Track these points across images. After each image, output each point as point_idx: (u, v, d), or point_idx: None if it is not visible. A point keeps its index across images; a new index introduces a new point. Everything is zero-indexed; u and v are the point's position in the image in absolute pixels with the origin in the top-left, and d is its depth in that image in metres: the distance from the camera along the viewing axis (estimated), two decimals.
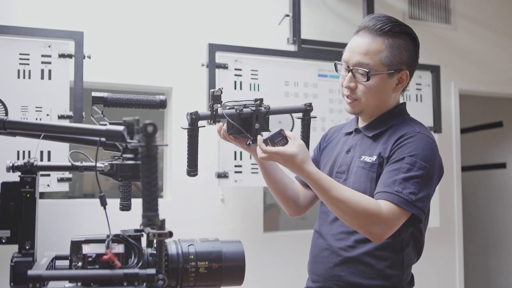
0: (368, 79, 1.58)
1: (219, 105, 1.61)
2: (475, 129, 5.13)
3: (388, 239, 1.55)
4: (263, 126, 1.65)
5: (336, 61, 1.69)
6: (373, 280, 1.59)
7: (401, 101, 1.73)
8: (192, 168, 1.64)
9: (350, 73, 1.61)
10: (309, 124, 1.72)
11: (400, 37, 1.60)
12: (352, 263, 1.60)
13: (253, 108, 1.64)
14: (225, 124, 1.66)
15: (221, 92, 1.59)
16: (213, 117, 1.61)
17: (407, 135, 1.56)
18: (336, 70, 1.69)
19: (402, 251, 1.60)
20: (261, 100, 1.65)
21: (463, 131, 4.69)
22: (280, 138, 1.56)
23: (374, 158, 1.58)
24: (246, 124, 1.63)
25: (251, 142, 1.64)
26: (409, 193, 1.48)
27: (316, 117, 1.77)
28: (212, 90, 1.61)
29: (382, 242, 1.55)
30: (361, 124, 1.72)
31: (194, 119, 1.59)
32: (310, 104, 1.69)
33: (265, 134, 1.60)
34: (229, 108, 1.64)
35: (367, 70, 1.57)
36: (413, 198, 1.47)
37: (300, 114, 1.72)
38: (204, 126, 1.62)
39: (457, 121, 3.99)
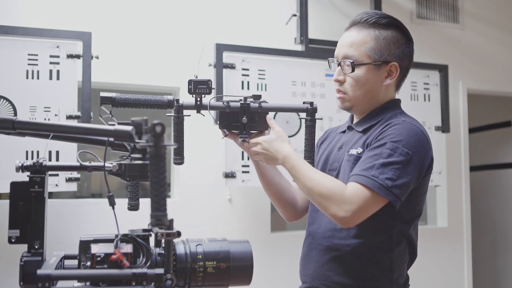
0: (353, 70, 1.58)
1: (203, 96, 1.57)
2: (484, 129, 5.10)
3: (375, 237, 1.53)
4: (259, 121, 1.61)
5: (329, 58, 1.70)
6: (360, 281, 1.55)
7: (403, 100, 1.72)
8: (178, 156, 1.60)
9: (339, 67, 1.63)
10: (312, 126, 1.66)
11: (387, 29, 1.61)
12: (339, 263, 1.57)
13: (242, 102, 1.60)
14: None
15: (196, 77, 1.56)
16: (198, 107, 1.57)
17: (393, 123, 1.54)
18: (330, 67, 1.71)
19: (391, 250, 1.55)
20: (257, 96, 1.62)
21: (471, 130, 4.66)
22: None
23: (360, 150, 1.57)
24: (236, 120, 1.60)
25: (244, 139, 1.61)
26: (386, 178, 1.43)
27: (322, 119, 1.72)
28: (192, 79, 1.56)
29: (370, 240, 1.53)
30: (355, 121, 1.72)
31: (177, 107, 1.56)
32: (312, 103, 1.65)
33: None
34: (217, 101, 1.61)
35: (352, 61, 1.58)
36: (389, 184, 1.43)
37: (304, 115, 1.68)
38: (190, 115, 1.59)
39: (465, 120, 3.96)
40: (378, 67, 1.60)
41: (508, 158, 4.88)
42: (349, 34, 1.64)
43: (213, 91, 1.60)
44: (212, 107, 1.60)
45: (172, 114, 1.58)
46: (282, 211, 1.83)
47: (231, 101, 1.61)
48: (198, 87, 1.55)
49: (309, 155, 1.68)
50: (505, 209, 4.85)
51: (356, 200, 1.43)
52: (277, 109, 1.73)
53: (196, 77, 1.55)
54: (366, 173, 1.45)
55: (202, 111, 1.60)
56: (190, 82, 1.56)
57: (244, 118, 1.59)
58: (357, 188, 1.44)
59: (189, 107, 1.58)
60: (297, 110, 1.68)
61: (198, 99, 1.57)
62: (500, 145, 4.97)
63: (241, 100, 1.61)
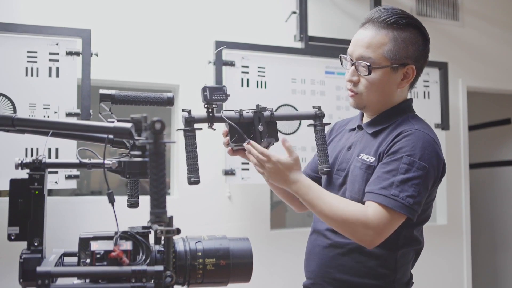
0: (369, 73, 1.53)
1: (215, 106, 1.51)
2: (483, 126, 5.10)
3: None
4: (269, 130, 1.57)
5: (341, 54, 1.65)
6: (363, 278, 1.55)
7: (408, 97, 1.68)
8: (193, 174, 1.50)
9: (353, 67, 1.57)
10: (323, 131, 1.63)
11: (406, 30, 1.55)
12: (343, 260, 1.57)
13: (256, 110, 1.56)
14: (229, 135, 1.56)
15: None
16: (210, 120, 1.50)
17: (405, 132, 1.51)
18: (342, 64, 1.66)
19: (396, 251, 1.54)
20: (263, 107, 1.59)
21: (471, 128, 4.66)
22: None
23: (372, 159, 1.53)
24: (250, 130, 1.55)
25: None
26: (407, 196, 1.42)
27: (329, 123, 1.69)
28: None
29: None
30: (365, 120, 1.67)
31: (188, 120, 1.48)
32: (320, 108, 1.62)
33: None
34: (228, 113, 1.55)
35: (369, 64, 1.52)
36: (410, 202, 1.42)
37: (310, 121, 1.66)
38: (201, 129, 1.52)
39: (465, 118, 3.97)
40: (394, 70, 1.55)
41: (507, 155, 4.88)
42: (365, 33, 1.56)
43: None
44: (227, 118, 1.53)
45: (182, 128, 1.49)
46: (292, 205, 1.86)
47: (243, 111, 1.56)
48: (214, 93, 1.48)
49: (324, 160, 1.63)
50: (505, 207, 4.85)
51: (380, 223, 1.43)
52: (287, 117, 1.71)
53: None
54: (385, 192, 1.44)
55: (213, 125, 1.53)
56: (205, 88, 1.48)
57: (260, 125, 1.55)
58: (379, 211, 1.43)
59: (201, 120, 1.50)
60: (306, 117, 1.65)
61: (210, 110, 1.50)
62: (499, 142, 4.98)
63: (251, 110, 1.58)
